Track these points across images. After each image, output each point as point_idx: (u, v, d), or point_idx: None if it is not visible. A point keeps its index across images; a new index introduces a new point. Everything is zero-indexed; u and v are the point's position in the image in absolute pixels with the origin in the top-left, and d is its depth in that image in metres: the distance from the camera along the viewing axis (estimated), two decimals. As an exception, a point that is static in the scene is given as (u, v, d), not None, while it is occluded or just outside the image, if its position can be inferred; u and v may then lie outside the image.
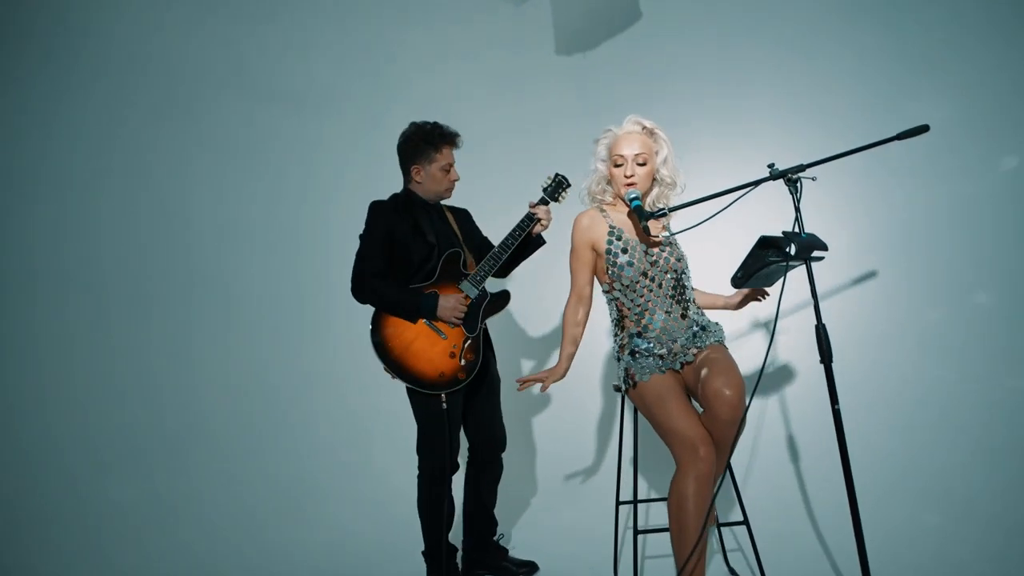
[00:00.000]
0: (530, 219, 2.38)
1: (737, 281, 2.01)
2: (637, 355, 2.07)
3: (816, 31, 3.24)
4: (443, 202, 2.49)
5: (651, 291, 2.08)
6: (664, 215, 2.08)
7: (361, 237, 2.37)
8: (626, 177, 2.10)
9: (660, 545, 2.58)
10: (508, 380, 2.57)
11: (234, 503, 3.25)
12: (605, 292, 2.19)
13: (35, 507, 3.17)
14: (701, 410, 2.00)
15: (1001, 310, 2.90)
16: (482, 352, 2.38)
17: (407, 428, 2.39)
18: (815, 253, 1.81)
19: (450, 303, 2.30)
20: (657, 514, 2.96)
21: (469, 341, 2.35)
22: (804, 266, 1.81)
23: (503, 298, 2.45)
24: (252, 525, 3.09)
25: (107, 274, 3.64)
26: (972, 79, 2.98)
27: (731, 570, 2.42)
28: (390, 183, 2.50)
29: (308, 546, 2.92)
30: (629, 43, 3.57)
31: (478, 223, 2.62)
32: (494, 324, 2.50)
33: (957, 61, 3.01)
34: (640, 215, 2.03)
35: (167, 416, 3.56)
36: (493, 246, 2.42)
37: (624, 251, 2.09)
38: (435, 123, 2.39)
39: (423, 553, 2.42)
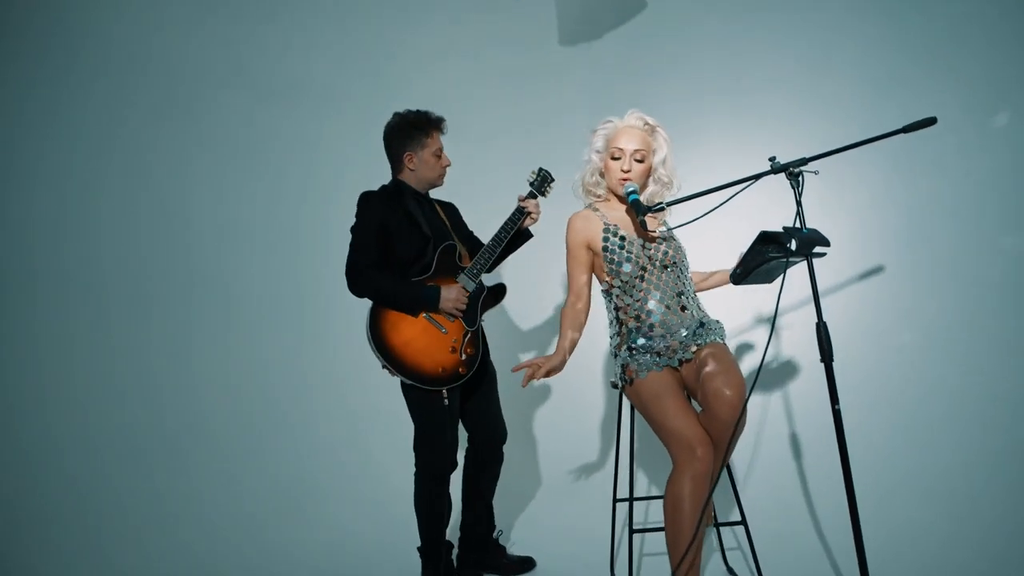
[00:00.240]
0: (520, 212, 2.41)
1: (736, 278, 1.99)
2: (635, 351, 2.03)
3: (821, 21, 3.22)
4: (431, 195, 2.48)
5: (650, 286, 2.05)
6: (662, 210, 2.04)
7: (353, 229, 2.32)
8: (622, 172, 2.07)
9: (660, 542, 2.55)
10: (504, 375, 2.56)
11: (234, 503, 3.24)
12: (604, 291, 2.16)
13: (35, 507, 3.17)
14: (700, 409, 1.98)
15: (1005, 308, 2.87)
16: (481, 346, 2.37)
17: (407, 428, 2.37)
18: (817, 249, 1.78)
19: (452, 295, 2.29)
20: (658, 510, 2.93)
21: (469, 335, 2.34)
22: (805, 262, 1.78)
23: (500, 291, 2.46)
24: (252, 525, 3.08)
25: (107, 274, 3.64)
26: (976, 72, 2.95)
27: (729, 569, 2.40)
28: (390, 182, 2.49)
29: (308, 546, 2.91)
30: (634, 34, 3.57)
31: (478, 220, 2.61)
32: (487, 318, 2.49)
33: (962, 55, 2.98)
34: (638, 209, 2.00)
35: (167, 416, 3.55)
36: (480, 240, 2.43)
37: (621, 248, 2.06)
38: (420, 110, 2.38)
39: (419, 550, 2.40)
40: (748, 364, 3.16)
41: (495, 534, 2.58)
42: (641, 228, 2.04)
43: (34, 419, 3.43)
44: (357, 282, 2.27)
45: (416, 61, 3.79)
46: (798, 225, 1.79)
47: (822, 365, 1.73)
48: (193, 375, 3.63)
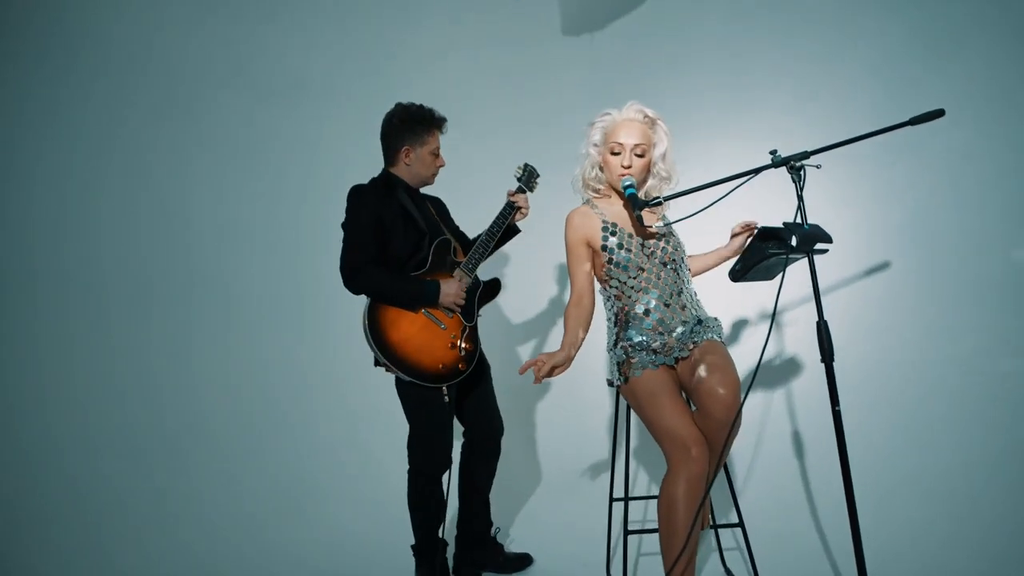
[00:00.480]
0: (511, 207, 2.41)
1: (736, 274, 1.97)
2: (630, 349, 2.00)
3: (825, 13, 3.20)
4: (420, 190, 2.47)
5: (649, 284, 2.02)
6: (659, 204, 2.01)
7: (346, 225, 2.27)
8: (623, 167, 2.03)
9: (657, 541, 2.56)
10: (499, 370, 2.57)
11: (234, 503, 3.24)
12: (602, 289, 2.14)
13: (35, 507, 3.16)
14: (695, 408, 1.95)
15: (1008, 307, 2.86)
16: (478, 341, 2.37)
17: (407, 428, 2.36)
18: (818, 245, 1.75)
19: (452, 290, 2.27)
20: (656, 509, 2.94)
21: (467, 330, 2.33)
22: (806, 259, 1.74)
23: (496, 285, 2.46)
24: (252, 525, 3.07)
25: (107, 274, 3.64)
26: (978, 67, 2.94)
27: (727, 570, 2.39)
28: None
29: (308, 546, 2.90)
30: (634, 31, 3.57)
31: (478, 220, 2.60)
32: (479, 313, 2.49)
33: (965, 48, 2.97)
34: (635, 204, 1.95)
35: (167, 416, 3.55)
36: (467, 235, 2.44)
37: (620, 245, 2.04)
38: (424, 105, 2.35)
39: (412, 548, 2.39)
40: (748, 362, 3.15)
41: (493, 531, 2.57)
42: (639, 224, 2.00)
43: (34, 419, 3.43)
44: (356, 279, 2.23)
45: (416, 60, 3.79)
46: (799, 221, 1.75)
47: (823, 364, 1.70)
48: (193, 375, 3.63)
